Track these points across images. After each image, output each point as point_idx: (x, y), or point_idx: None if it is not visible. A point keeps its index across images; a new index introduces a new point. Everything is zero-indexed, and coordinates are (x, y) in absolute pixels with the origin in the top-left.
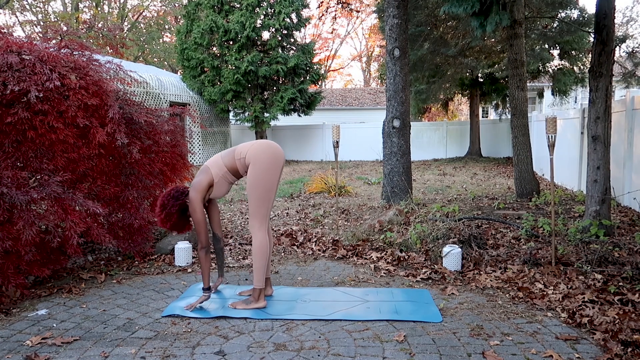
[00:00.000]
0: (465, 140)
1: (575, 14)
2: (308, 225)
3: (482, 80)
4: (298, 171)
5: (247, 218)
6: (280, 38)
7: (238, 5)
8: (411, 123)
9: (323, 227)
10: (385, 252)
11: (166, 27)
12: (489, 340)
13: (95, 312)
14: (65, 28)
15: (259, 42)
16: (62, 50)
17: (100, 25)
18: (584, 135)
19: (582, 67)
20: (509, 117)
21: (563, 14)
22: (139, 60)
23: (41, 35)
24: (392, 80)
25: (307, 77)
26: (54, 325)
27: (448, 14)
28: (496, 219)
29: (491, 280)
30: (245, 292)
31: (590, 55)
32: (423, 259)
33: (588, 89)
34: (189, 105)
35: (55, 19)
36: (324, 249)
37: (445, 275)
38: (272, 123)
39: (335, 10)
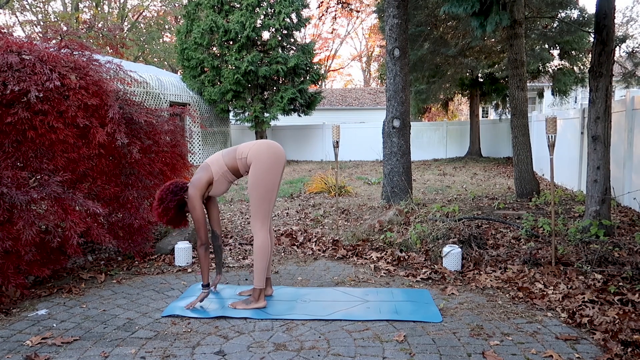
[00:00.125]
0: (465, 140)
1: (575, 14)
2: (308, 225)
3: (482, 80)
4: (298, 171)
5: (247, 218)
6: (280, 38)
7: (238, 5)
8: (411, 123)
9: (323, 227)
10: (385, 252)
11: (166, 27)
12: (489, 340)
13: (95, 312)
14: (65, 28)
15: (259, 42)
16: (62, 50)
17: (100, 25)
18: (584, 135)
19: (582, 67)
20: (509, 117)
21: (563, 14)
22: (139, 60)
23: (41, 35)
24: (392, 80)
25: (307, 77)
26: (54, 325)
27: (448, 14)
28: (496, 219)
29: (491, 280)
30: (245, 292)
31: (590, 55)
32: (423, 259)
33: (588, 89)
34: (189, 105)
35: (55, 19)
36: (324, 249)
37: (445, 275)
38: (272, 123)
39: (335, 10)
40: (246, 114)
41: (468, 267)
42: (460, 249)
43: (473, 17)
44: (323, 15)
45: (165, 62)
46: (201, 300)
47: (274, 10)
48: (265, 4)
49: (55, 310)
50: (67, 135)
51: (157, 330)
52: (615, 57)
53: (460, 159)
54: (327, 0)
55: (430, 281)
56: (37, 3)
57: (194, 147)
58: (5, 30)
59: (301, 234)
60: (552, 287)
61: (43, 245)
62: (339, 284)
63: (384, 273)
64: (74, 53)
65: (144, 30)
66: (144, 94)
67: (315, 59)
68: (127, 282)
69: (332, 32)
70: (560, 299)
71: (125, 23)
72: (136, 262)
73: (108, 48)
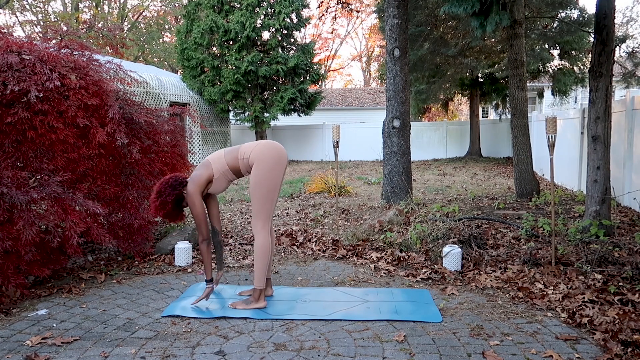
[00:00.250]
0: (465, 140)
1: (575, 14)
2: (308, 225)
3: (482, 80)
4: (298, 171)
5: (247, 218)
6: (280, 38)
7: (238, 5)
8: (411, 123)
9: (323, 227)
10: (385, 252)
11: (166, 27)
12: (489, 340)
13: (95, 312)
14: (65, 28)
15: (259, 42)
16: (62, 50)
17: (100, 25)
18: (584, 135)
19: (582, 67)
20: (509, 117)
21: (563, 14)
22: (139, 60)
23: (41, 35)
24: (392, 80)
25: (307, 77)
26: (54, 325)
27: (448, 14)
28: (496, 219)
29: (491, 280)
30: (246, 292)
31: (590, 55)
32: (423, 259)
33: (588, 89)
34: (189, 105)
35: (55, 19)
36: (324, 249)
37: (445, 275)
38: (272, 123)
39: (335, 10)
40: (246, 114)
41: (468, 267)
42: (460, 249)
43: (473, 17)
44: (323, 15)
45: (165, 62)
46: (207, 296)
47: (274, 10)
48: (265, 4)
49: (55, 310)
50: (67, 135)
51: (157, 330)
52: (615, 57)
53: (460, 159)
54: (327, 0)
55: (430, 281)
56: (37, 3)
57: (194, 147)
58: (5, 30)
59: (301, 234)
60: (552, 287)
61: (43, 245)
62: (339, 284)
63: (384, 273)
64: (74, 53)
65: (144, 30)
66: (144, 94)
67: (315, 59)
68: (127, 282)
69: (332, 32)
70: (560, 299)
71: (125, 23)
72: (136, 262)
73: (108, 48)
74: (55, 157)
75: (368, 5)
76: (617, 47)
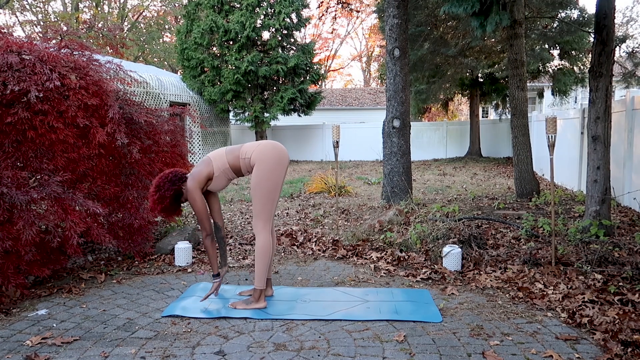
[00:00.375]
0: (465, 140)
1: (575, 14)
2: (308, 225)
3: (482, 80)
4: (298, 171)
5: (247, 218)
6: (280, 38)
7: (238, 5)
8: (411, 123)
9: (323, 227)
10: (385, 252)
11: (166, 27)
12: (489, 340)
13: (95, 312)
14: (65, 28)
15: (259, 42)
16: (62, 50)
17: (100, 25)
18: (584, 135)
19: (582, 67)
20: (509, 117)
21: (563, 14)
22: (139, 60)
23: (41, 35)
24: (392, 80)
25: (307, 77)
26: (54, 325)
27: (448, 14)
28: (496, 219)
29: (491, 280)
30: (246, 292)
31: (590, 55)
32: (423, 259)
33: (588, 89)
34: (189, 105)
35: (55, 19)
36: (324, 249)
37: (445, 275)
38: (272, 123)
39: (335, 10)
40: (246, 114)
41: (468, 267)
42: (460, 249)
43: (473, 17)
44: (323, 15)
45: (165, 62)
46: (216, 290)
47: (274, 10)
48: (265, 4)
49: (55, 310)
50: (67, 135)
51: (157, 330)
52: (615, 57)
53: (460, 159)
54: (327, 0)
55: (430, 281)
56: (37, 3)
57: (194, 147)
58: (5, 30)
59: (301, 234)
60: (552, 287)
61: (43, 245)
62: (339, 284)
63: (384, 273)
64: (74, 53)
65: (144, 30)
66: (144, 94)
67: (315, 59)
68: (127, 282)
69: (332, 32)
70: (560, 299)
71: (125, 23)
72: (136, 262)
73: (108, 48)
74: (55, 157)
75: (368, 5)
76: (617, 47)
